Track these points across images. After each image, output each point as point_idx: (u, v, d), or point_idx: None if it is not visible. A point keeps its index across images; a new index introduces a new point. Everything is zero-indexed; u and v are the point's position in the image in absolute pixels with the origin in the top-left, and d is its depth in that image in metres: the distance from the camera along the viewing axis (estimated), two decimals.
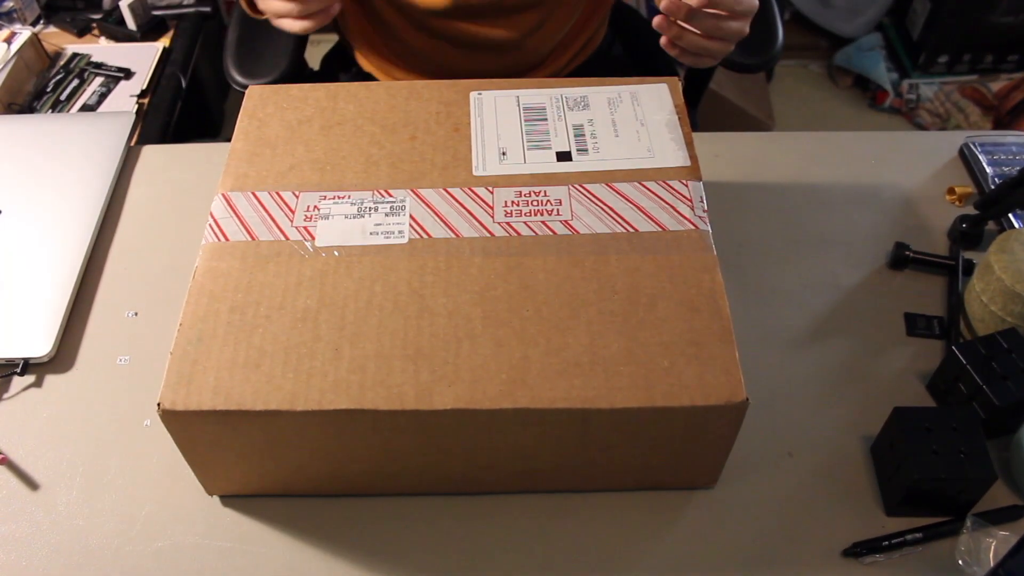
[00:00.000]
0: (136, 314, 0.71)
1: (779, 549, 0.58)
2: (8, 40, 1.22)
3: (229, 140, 0.67)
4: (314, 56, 1.16)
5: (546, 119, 0.66)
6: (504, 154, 0.64)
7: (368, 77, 1.02)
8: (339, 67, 1.08)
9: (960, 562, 0.56)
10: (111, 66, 1.28)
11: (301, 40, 1.06)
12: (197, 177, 0.82)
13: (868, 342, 0.69)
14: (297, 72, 1.12)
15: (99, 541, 0.58)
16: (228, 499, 0.60)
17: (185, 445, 0.55)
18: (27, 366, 0.67)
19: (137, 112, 1.21)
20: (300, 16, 0.73)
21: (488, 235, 0.58)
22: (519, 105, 0.67)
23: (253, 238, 0.58)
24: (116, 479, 0.61)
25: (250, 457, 0.55)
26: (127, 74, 1.27)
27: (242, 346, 0.53)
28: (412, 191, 0.61)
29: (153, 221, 0.78)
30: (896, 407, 0.59)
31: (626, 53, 1.10)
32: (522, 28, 0.90)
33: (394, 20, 0.92)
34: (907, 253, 0.74)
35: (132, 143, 0.86)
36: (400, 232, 0.59)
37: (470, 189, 0.61)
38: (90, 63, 1.29)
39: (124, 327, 0.70)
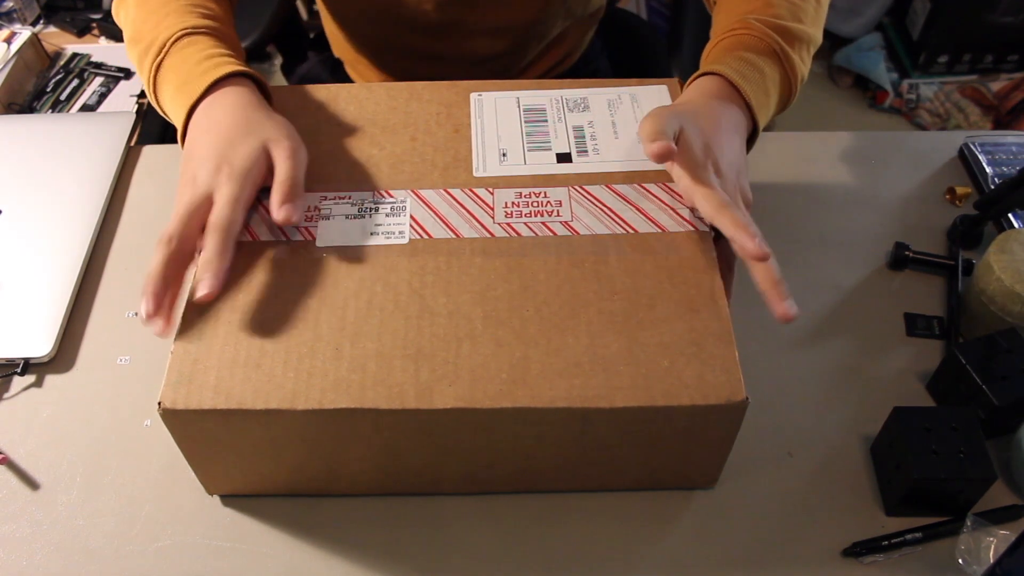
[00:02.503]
0: (136, 314, 0.71)
1: (779, 549, 0.58)
2: (8, 40, 1.22)
3: None
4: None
5: (546, 120, 0.66)
6: (504, 155, 0.64)
7: (336, 63, 1.02)
8: (312, 46, 1.09)
9: (960, 561, 0.56)
10: (111, 66, 1.29)
11: (280, 7, 1.07)
12: None
13: (868, 342, 0.69)
14: (277, 37, 1.15)
15: (99, 541, 0.58)
16: (228, 499, 0.60)
17: (185, 444, 0.55)
18: (27, 366, 0.67)
19: (137, 112, 1.21)
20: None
21: (488, 236, 0.58)
22: (519, 106, 0.67)
23: (254, 238, 0.58)
24: (116, 479, 0.61)
25: (250, 457, 0.55)
26: (127, 74, 1.28)
27: (243, 345, 0.53)
28: (412, 192, 0.61)
29: (153, 221, 0.78)
30: (896, 407, 0.59)
31: (613, 64, 1.09)
32: (486, 52, 0.89)
33: (369, 32, 0.92)
34: (907, 253, 0.74)
35: (132, 143, 0.86)
36: (401, 232, 0.59)
37: (470, 190, 0.61)
38: (90, 63, 1.29)
39: (124, 327, 0.70)
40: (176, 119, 0.62)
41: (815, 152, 0.85)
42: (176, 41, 0.62)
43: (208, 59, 0.62)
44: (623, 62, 1.11)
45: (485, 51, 0.89)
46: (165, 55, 0.62)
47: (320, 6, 0.96)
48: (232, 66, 0.62)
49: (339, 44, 0.98)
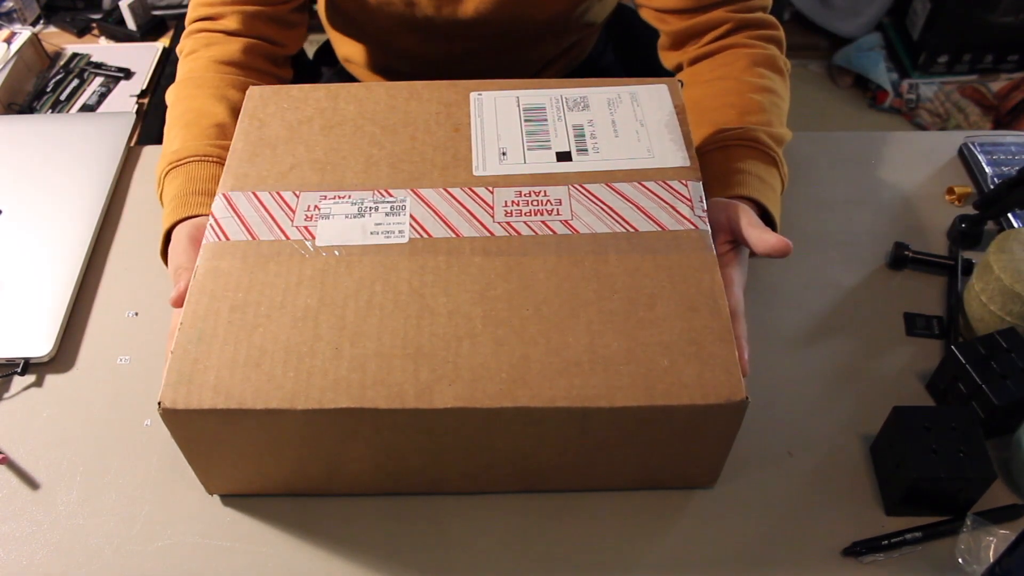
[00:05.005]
0: (136, 314, 0.71)
1: (779, 549, 0.58)
2: (8, 40, 1.22)
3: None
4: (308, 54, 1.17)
5: (546, 119, 0.66)
6: (504, 154, 0.64)
7: (347, 74, 1.02)
8: (323, 61, 1.09)
9: (960, 560, 0.56)
10: (111, 66, 1.28)
11: None
12: None
13: (868, 342, 0.69)
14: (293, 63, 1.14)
15: (99, 541, 0.58)
16: (228, 499, 0.60)
17: (185, 444, 0.55)
18: (27, 366, 0.67)
19: (137, 112, 1.21)
20: None
21: (488, 235, 0.58)
22: (519, 106, 0.67)
23: (254, 237, 0.58)
24: (116, 479, 0.61)
25: (250, 456, 0.56)
26: (127, 74, 1.28)
27: (242, 345, 0.53)
28: (412, 191, 0.61)
29: (153, 221, 0.77)
30: (896, 406, 0.59)
31: (618, 59, 1.10)
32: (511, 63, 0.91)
33: (379, 41, 0.93)
34: (906, 253, 0.74)
35: (132, 143, 0.86)
36: (400, 232, 0.59)
37: (470, 189, 0.61)
38: (90, 63, 1.29)
39: (124, 327, 0.70)
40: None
41: (815, 152, 0.85)
42: (169, 172, 0.69)
43: (185, 197, 0.67)
44: (626, 56, 1.11)
45: (510, 63, 0.90)
46: (164, 176, 0.70)
47: (332, 33, 0.97)
48: (186, 212, 0.66)
49: (352, 61, 0.99)
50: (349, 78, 1.03)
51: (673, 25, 0.80)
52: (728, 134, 0.70)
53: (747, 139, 0.69)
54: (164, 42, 1.36)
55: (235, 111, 0.72)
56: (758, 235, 0.60)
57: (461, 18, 0.83)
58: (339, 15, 0.92)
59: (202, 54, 0.77)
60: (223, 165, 0.67)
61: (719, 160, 0.69)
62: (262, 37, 0.79)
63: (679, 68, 0.83)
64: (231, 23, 0.77)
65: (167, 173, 0.69)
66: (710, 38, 0.78)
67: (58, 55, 1.30)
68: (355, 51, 0.96)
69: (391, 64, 0.95)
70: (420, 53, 0.89)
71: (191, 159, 0.68)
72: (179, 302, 0.57)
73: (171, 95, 0.76)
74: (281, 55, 0.81)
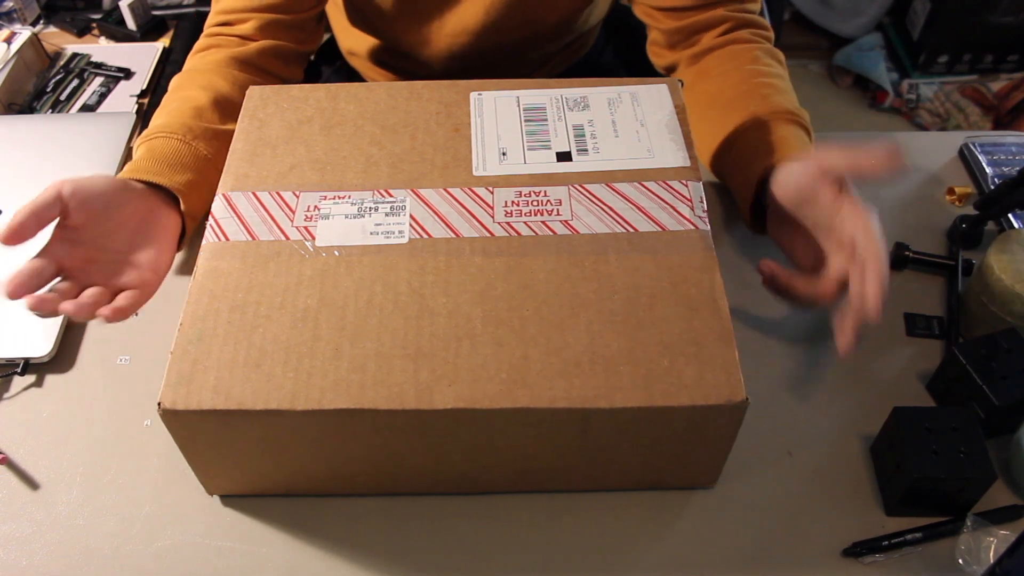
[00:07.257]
0: (136, 314, 0.71)
1: (779, 549, 0.58)
2: (8, 40, 1.22)
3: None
4: None
5: (546, 119, 0.66)
6: (504, 154, 0.64)
7: (351, 71, 1.02)
8: (322, 60, 1.09)
9: (960, 561, 0.56)
10: (111, 66, 1.28)
11: None
12: None
13: (868, 342, 0.69)
14: None
15: (99, 541, 0.58)
16: (228, 499, 0.60)
17: (185, 445, 0.55)
18: (27, 366, 0.67)
19: (137, 112, 1.21)
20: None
21: (488, 235, 0.58)
22: (519, 105, 0.67)
23: (253, 238, 0.58)
24: (116, 479, 0.61)
25: (250, 457, 0.55)
26: (127, 74, 1.27)
27: (242, 345, 0.53)
28: (412, 191, 0.61)
29: None
30: (896, 407, 0.59)
31: (618, 59, 1.10)
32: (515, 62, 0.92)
33: (388, 39, 0.93)
34: (907, 253, 0.74)
35: (132, 143, 0.86)
36: (400, 232, 0.59)
37: (470, 189, 0.61)
38: (90, 63, 1.29)
39: (124, 327, 0.70)
40: None
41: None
42: (138, 147, 0.70)
43: (138, 163, 0.68)
44: (626, 55, 1.11)
45: (512, 61, 0.91)
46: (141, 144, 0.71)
47: (338, 28, 0.97)
48: (140, 176, 0.66)
49: (355, 54, 0.99)
50: (349, 75, 1.03)
51: (665, 24, 0.80)
52: (762, 112, 0.70)
53: (782, 110, 0.69)
54: (164, 42, 1.36)
55: (218, 99, 0.72)
56: (865, 155, 0.56)
57: (470, 22, 0.83)
58: (357, 16, 0.92)
59: (212, 51, 0.78)
60: (186, 142, 0.69)
61: (760, 134, 0.68)
62: (278, 41, 0.79)
63: (672, 67, 0.82)
64: (247, 29, 0.78)
65: (136, 149, 0.70)
66: (712, 35, 0.78)
67: (58, 55, 1.30)
68: (360, 44, 0.96)
69: (394, 59, 0.95)
70: (424, 51, 0.89)
71: (158, 135, 0.69)
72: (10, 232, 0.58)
73: (171, 84, 0.77)
74: (298, 52, 0.82)
